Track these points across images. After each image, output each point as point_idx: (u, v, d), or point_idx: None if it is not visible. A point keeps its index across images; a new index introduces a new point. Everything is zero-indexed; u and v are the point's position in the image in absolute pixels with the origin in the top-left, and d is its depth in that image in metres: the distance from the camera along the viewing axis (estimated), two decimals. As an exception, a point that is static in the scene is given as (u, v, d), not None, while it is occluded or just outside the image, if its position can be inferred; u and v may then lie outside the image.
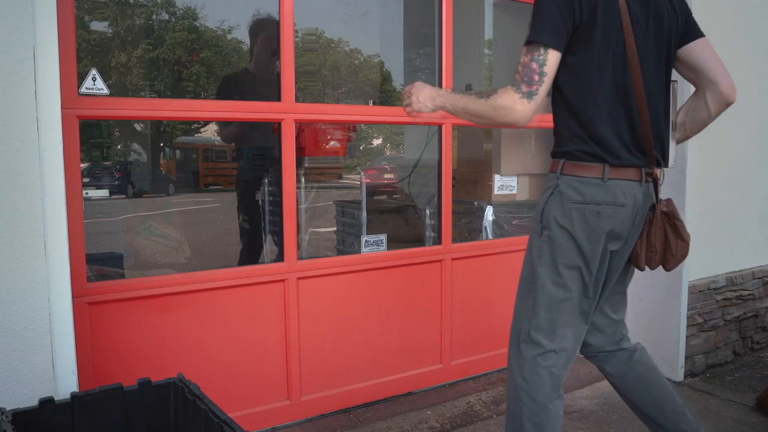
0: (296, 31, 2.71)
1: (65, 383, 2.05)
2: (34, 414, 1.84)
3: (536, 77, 1.60)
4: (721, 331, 3.48)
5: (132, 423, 2.00)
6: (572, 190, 1.71)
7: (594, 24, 1.63)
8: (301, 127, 4.56)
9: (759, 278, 3.70)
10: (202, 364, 2.51)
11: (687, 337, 3.21)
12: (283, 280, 2.67)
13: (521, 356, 1.79)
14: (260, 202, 5.25)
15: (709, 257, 3.40)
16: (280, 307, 2.68)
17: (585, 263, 1.73)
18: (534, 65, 1.60)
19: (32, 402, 1.89)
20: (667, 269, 1.77)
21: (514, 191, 3.67)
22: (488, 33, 5.26)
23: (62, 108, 2.05)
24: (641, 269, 1.79)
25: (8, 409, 1.81)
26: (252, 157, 4.01)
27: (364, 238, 2.99)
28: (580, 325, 1.81)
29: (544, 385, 1.75)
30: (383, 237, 3.03)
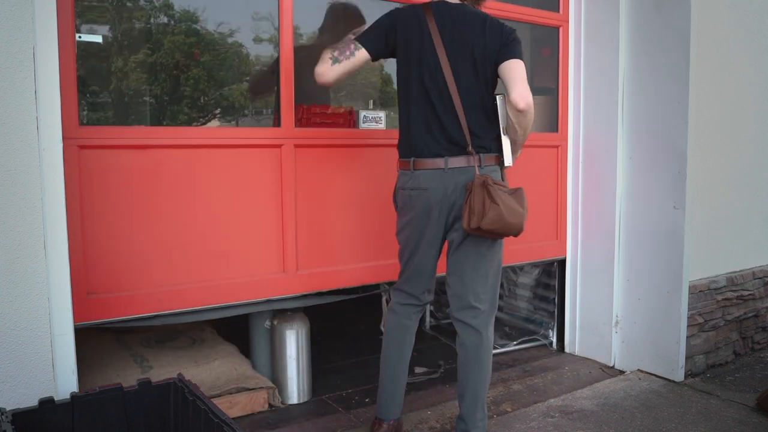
0: (297, 35, 2.72)
1: (65, 383, 2.05)
2: (34, 414, 1.84)
3: (347, 53, 2.24)
4: (721, 331, 3.48)
5: (132, 423, 2.00)
6: (399, 180, 2.35)
7: (409, 46, 2.24)
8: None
9: (759, 278, 3.69)
10: (193, 224, 2.47)
11: (687, 337, 3.21)
12: (279, 146, 2.62)
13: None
14: None
15: (709, 257, 3.40)
16: (276, 174, 2.62)
17: (410, 232, 2.32)
18: (351, 47, 2.24)
19: (32, 402, 1.89)
20: (482, 227, 2.13)
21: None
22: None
23: (63, 138, 2.06)
24: (465, 228, 2.18)
25: (8, 409, 1.81)
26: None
27: (362, 114, 2.90)
28: (418, 276, 2.39)
29: (395, 311, 2.45)
30: (382, 114, 2.94)
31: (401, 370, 2.46)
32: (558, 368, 3.41)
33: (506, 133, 2.25)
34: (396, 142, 2.40)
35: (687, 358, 3.23)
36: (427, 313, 4.10)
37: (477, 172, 2.20)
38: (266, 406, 2.81)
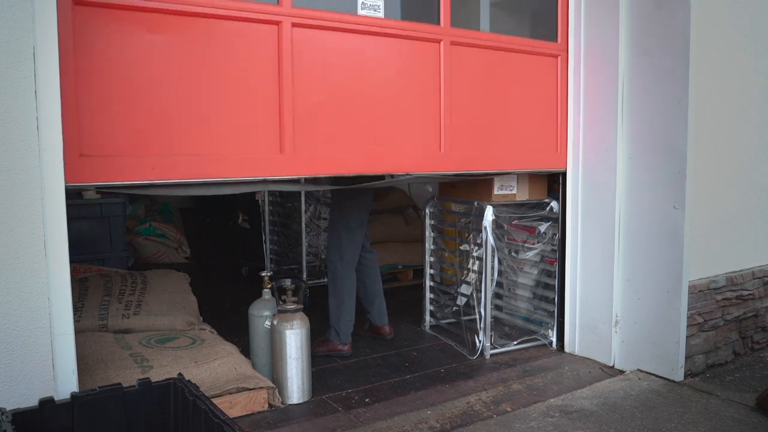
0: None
1: (65, 383, 2.05)
2: (34, 414, 1.84)
3: None
4: (721, 331, 3.48)
5: (132, 423, 2.00)
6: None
7: None
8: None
9: (759, 278, 3.70)
10: (188, 97, 2.42)
11: (687, 337, 3.21)
12: (277, 23, 2.58)
13: (336, 278, 3.60)
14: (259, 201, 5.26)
15: (709, 257, 3.40)
16: (274, 54, 2.59)
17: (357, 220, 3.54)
18: None
19: (32, 402, 1.89)
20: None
21: (514, 191, 3.67)
22: (485, 26, 5.25)
23: None
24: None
25: (8, 409, 1.81)
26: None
27: (360, 0, 2.85)
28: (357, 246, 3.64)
29: (343, 276, 3.60)
30: (380, 2, 2.89)
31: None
32: (558, 368, 3.41)
33: None
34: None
35: (687, 357, 3.23)
36: (427, 314, 4.11)
37: None
38: (266, 406, 2.81)
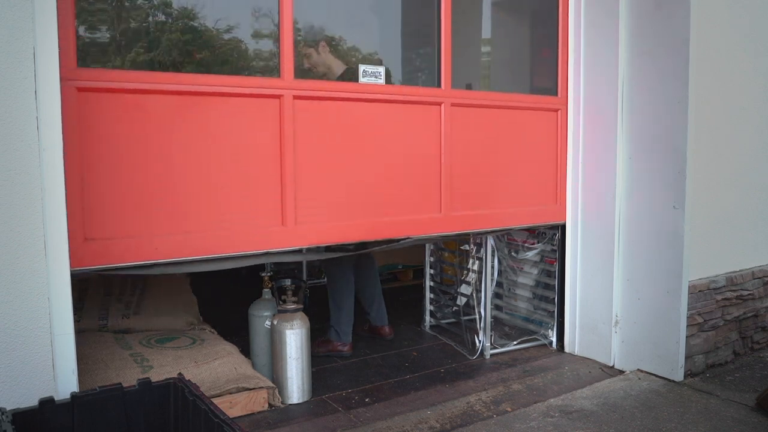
0: (298, 29, 2.72)
1: (65, 383, 2.05)
2: (34, 414, 1.84)
3: None
4: (721, 331, 3.48)
5: (132, 423, 2.00)
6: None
7: None
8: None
9: (759, 278, 3.70)
10: (190, 174, 2.44)
11: (687, 337, 3.21)
12: (278, 96, 2.60)
13: (334, 280, 3.63)
14: None
15: (709, 257, 3.40)
16: (275, 127, 2.61)
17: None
18: None
19: (32, 402, 1.89)
20: None
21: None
22: (486, 32, 5.26)
23: (61, 79, 2.02)
24: None
25: (8, 409, 1.81)
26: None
27: (362, 68, 2.89)
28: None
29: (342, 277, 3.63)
30: (381, 69, 2.94)
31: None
32: (558, 368, 3.42)
33: None
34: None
35: (687, 357, 3.23)
36: (427, 314, 4.11)
37: None
38: (266, 405, 2.81)
